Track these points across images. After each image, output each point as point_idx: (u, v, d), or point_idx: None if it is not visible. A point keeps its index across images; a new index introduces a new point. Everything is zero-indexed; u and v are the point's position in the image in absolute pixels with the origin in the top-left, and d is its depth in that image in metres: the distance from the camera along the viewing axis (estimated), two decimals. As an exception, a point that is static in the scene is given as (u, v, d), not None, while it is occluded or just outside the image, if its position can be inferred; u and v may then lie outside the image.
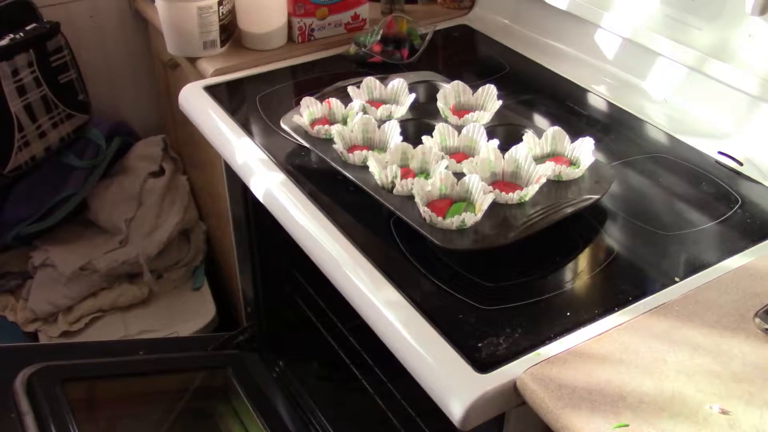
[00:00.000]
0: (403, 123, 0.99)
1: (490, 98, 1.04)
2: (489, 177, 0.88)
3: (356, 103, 1.02)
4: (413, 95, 1.04)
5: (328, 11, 1.32)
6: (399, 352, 0.77)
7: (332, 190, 0.97)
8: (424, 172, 0.90)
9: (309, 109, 1.02)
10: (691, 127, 1.07)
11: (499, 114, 1.02)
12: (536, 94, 1.19)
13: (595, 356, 0.71)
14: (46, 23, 1.54)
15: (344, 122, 1.02)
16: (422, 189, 0.84)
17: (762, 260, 0.84)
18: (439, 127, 0.94)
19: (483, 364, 0.72)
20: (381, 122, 0.99)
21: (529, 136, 0.94)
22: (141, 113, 1.85)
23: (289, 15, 1.31)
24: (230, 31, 1.31)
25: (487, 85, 1.05)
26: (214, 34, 1.26)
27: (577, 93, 1.19)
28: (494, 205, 0.85)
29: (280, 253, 1.31)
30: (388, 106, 1.02)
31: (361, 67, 1.28)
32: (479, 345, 0.74)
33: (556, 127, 0.94)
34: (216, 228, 1.72)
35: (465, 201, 0.86)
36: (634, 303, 0.79)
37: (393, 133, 0.95)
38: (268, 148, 1.05)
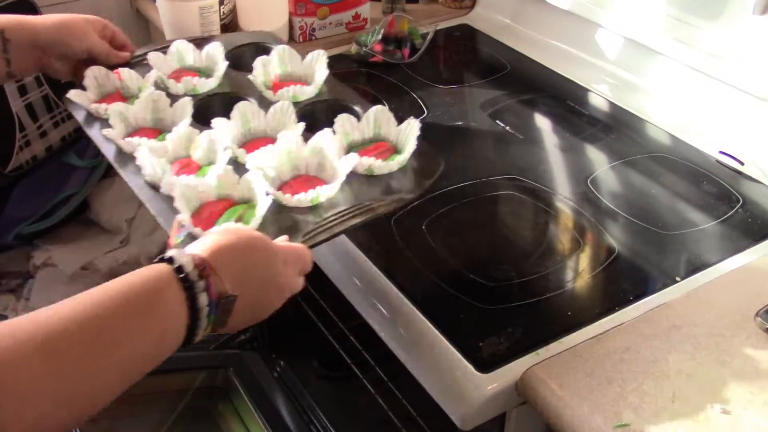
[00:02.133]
0: (206, 99, 0.84)
1: (319, 67, 0.88)
2: (289, 171, 0.73)
3: (152, 74, 0.85)
4: (225, 65, 0.88)
5: (329, 11, 1.32)
6: (400, 352, 0.78)
7: (333, 189, 0.97)
8: (210, 164, 0.74)
9: (97, 81, 0.86)
10: (692, 126, 1.07)
11: (330, 87, 0.86)
12: (537, 93, 1.19)
13: (595, 356, 0.71)
14: (47, 23, 1.54)
15: (136, 97, 0.86)
16: (187, 190, 0.68)
17: (763, 260, 0.84)
18: (241, 106, 0.77)
19: (484, 364, 0.72)
20: (181, 98, 0.83)
21: (343, 119, 0.77)
22: (142, 113, 1.85)
23: (290, 14, 1.31)
24: (231, 31, 1.31)
25: (317, 52, 0.89)
26: (216, 33, 1.26)
27: (578, 92, 1.19)
28: (282, 209, 0.70)
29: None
30: (189, 79, 0.85)
31: (362, 66, 1.28)
32: (480, 344, 0.74)
33: (379, 107, 0.79)
34: (217, 227, 1.72)
35: (249, 203, 0.70)
36: (634, 302, 0.79)
37: (184, 114, 0.79)
38: (269, 148, 1.05)
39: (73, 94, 0.84)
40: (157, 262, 0.56)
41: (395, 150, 0.79)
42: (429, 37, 1.32)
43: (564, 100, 1.17)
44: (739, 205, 0.93)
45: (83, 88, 0.86)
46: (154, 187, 0.74)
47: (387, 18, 1.31)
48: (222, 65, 0.88)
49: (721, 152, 1.02)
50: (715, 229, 0.90)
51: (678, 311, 0.76)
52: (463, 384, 0.70)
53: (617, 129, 1.10)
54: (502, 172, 1.00)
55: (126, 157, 0.77)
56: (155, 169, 0.71)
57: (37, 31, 0.88)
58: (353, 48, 1.29)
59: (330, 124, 0.77)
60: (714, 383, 0.68)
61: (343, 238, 0.88)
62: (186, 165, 0.74)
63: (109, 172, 1.74)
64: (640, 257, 0.85)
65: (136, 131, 0.80)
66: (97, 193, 1.71)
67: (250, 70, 0.87)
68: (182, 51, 0.90)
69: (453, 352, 0.73)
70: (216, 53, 0.89)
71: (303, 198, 0.69)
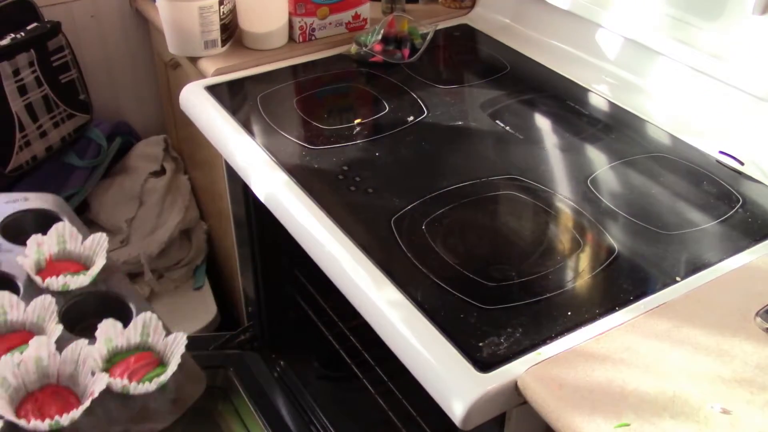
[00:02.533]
0: None
1: (98, 252, 0.80)
2: (37, 380, 0.65)
3: None
4: None
5: (328, 11, 1.32)
6: (400, 352, 0.78)
7: (333, 189, 0.97)
8: None
9: None
10: (692, 126, 1.07)
11: (107, 276, 0.77)
12: (537, 93, 1.19)
13: (596, 356, 0.71)
14: (47, 23, 1.54)
15: None
16: None
17: (763, 260, 0.84)
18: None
19: (484, 364, 0.72)
20: None
21: (107, 324, 0.71)
22: (142, 113, 1.85)
23: (290, 14, 1.31)
24: (231, 31, 1.31)
25: (99, 234, 0.81)
26: (215, 33, 1.26)
27: (578, 92, 1.19)
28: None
29: (281, 252, 1.31)
30: None
31: (362, 66, 1.28)
32: (480, 344, 0.74)
33: (148, 314, 0.73)
34: (217, 228, 1.73)
35: None
36: (635, 302, 0.79)
37: None
38: (269, 148, 1.05)
39: None
40: None
41: (160, 362, 0.72)
42: (429, 37, 1.32)
43: (564, 100, 1.17)
44: (739, 205, 0.93)
45: None
46: None
47: (387, 18, 1.31)
48: None
49: (721, 152, 1.02)
50: (715, 229, 0.90)
51: (678, 311, 0.76)
52: (463, 384, 0.70)
53: (617, 129, 1.10)
54: (502, 172, 1.00)
55: None
56: None
57: None
58: (353, 48, 1.29)
59: (99, 319, 0.71)
60: (714, 383, 0.68)
61: (344, 237, 0.88)
62: None
63: (109, 172, 1.74)
64: (640, 257, 0.85)
65: None
66: (97, 193, 1.71)
67: (26, 241, 0.79)
68: None
69: (453, 352, 0.73)
70: None
71: (40, 426, 0.61)
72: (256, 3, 1.27)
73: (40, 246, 0.78)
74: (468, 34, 1.40)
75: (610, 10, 1.18)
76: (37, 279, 0.74)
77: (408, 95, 1.19)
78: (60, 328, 0.67)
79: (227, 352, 1.10)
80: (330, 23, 1.34)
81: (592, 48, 1.23)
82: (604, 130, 1.10)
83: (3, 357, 0.65)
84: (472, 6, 1.46)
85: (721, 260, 0.84)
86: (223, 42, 1.28)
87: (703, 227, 0.90)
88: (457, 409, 0.70)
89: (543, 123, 1.13)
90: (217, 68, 1.25)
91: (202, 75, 1.28)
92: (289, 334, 1.44)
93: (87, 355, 0.66)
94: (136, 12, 1.71)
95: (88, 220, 1.72)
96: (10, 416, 0.59)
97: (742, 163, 1.00)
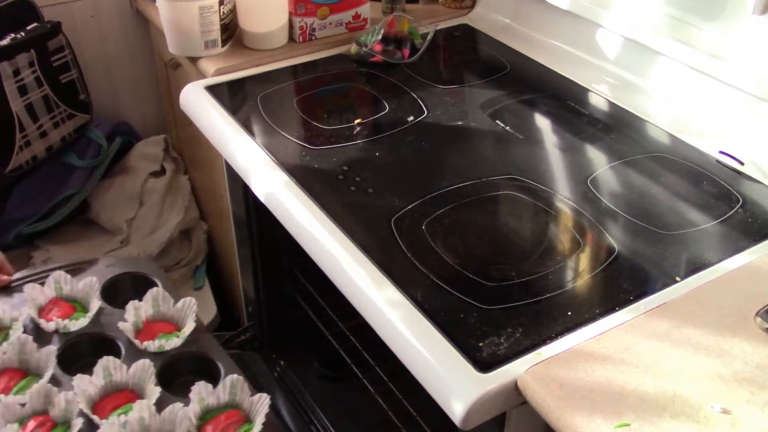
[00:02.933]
0: (74, 341, 0.85)
1: (189, 315, 0.89)
2: None
3: (23, 314, 0.87)
4: (99, 304, 0.88)
5: (329, 11, 1.32)
6: (400, 352, 0.78)
7: (333, 189, 0.97)
8: (66, 423, 0.75)
9: None
10: (692, 126, 1.07)
11: (197, 337, 0.87)
12: (537, 93, 1.19)
13: (596, 356, 0.71)
14: (47, 23, 1.54)
15: (7, 332, 0.87)
16: None
17: (763, 260, 0.84)
18: (104, 361, 0.79)
19: (484, 364, 0.72)
20: (53, 334, 0.85)
21: (199, 386, 0.79)
22: (142, 113, 1.85)
23: (290, 14, 1.31)
24: (231, 31, 1.31)
25: (189, 299, 0.90)
26: (215, 33, 1.26)
27: (578, 92, 1.19)
28: None
29: (281, 252, 1.31)
30: (60, 321, 0.86)
31: (362, 66, 1.28)
32: (480, 344, 0.74)
33: (235, 376, 0.81)
34: (217, 228, 1.73)
35: None
36: (635, 302, 0.79)
37: (48, 364, 0.81)
38: (270, 148, 1.05)
39: None
40: None
41: (246, 419, 0.80)
42: (429, 37, 1.32)
43: (564, 100, 1.17)
44: (739, 205, 0.93)
45: None
46: None
47: (387, 18, 1.31)
48: (95, 305, 0.88)
49: (721, 152, 1.02)
50: (715, 229, 0.90)
51: (678, 311, 0.76)
52: (463, 384, 0.70)
53: (617, 129, 1.10)
54: (502, 172, 1.00)
55: None
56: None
57: None
58: (353, 48, 1.29)
59: (191, 378, 0.80)
60: (714, 383, 0.68)
61: (344, 237, 0.88)
62: (41, 424, 0.75)
63: (109, 172, 1.74)
64: (640, 257, 0.85)
65: (2, 371, 0.81)
66: (97, 193, 1.71)
67: (124, 302, 0.88)
68: (59, 281, 0.90)
69: (453, 352, 0.73)
70: (90, 290, 0.89)
71: None
72: (256, 3, 1.27)
73: (138, 310, 0.87)
74: (468, 34, 1.40)
75: (610, 10, 1.18)
76: (137, 342, 0.84)
77: (408, 95, 1.19)
78: (158, 390, 0.77)
79: (227, 352, 1.10)
80: (330, 23, 1.34)
81: (592, 48, 1.23)
82: (604, 130, 1.10)
83: (111, 417, 0.75)
84: (472, 6, 1.46)
85: (721, 260, 0.84)
86: (223, 42, 1.28)
87: (703, 227, 0.90)
88: (457, 409, 0.70)
89: (543, 123, 1.13)
90: (217, 68, 1.25)
91: (202, 75, 1.28)
92: (289, 334, 1.44)
93: (183, 416, 0.75)
94: (136, 12, 1.71)
95: (88, 220, 1.73)
96: None
97: (742, 163, 1.00)
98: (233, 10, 1.29)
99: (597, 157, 1.04)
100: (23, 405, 0.77)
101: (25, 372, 0.83)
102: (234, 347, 1.42)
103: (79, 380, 0.77)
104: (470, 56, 1.35)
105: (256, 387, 1.02)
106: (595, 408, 0.66)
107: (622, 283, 0.82)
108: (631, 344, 0.72)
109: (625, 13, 1.16)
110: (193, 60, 1.30)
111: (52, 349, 0.82)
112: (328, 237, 0.89)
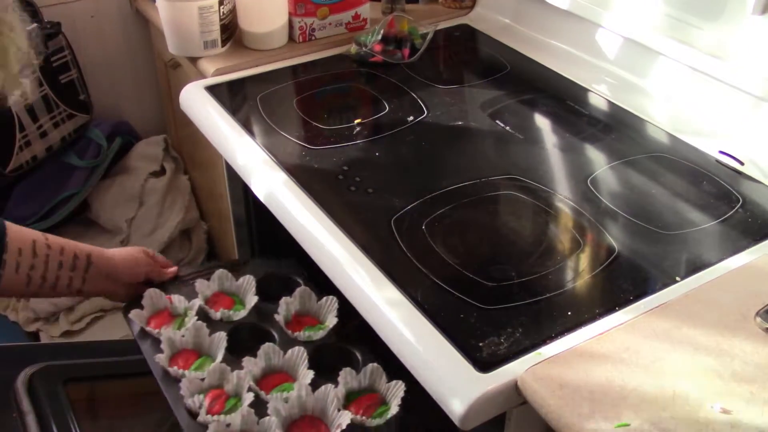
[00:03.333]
0: (237, 328, 0.99)
1: (330, 311, 1.01)
2: (297, 411, 0.88)
3: (196, 302, 1.02)
4: (255, 298, 1.02)
5: (328, 11, 1.32)
6: (400, 351, 0.78)
7: (333, 189, 0.97)
8: (238, 396, 0.91)
9: (152, 301, 1.03)
10: (692, 126, 1.07)
11: (338, 329, 0.98)
12: (537, 93, 1.19)
13: (596, 356, 0.71)
14: (47, 23, 1.54)
15: (183, 318, 1.02)
16: (220, 426, 0.86)
17: (763, 259, 0.84)
18: (265, 347, 0.94)
19: (484, 364, 0.72)
20: (218, 323, 1.00)
21: (345, 372, 0.91)
22: (142, 113, 1.85)
23: (290, 15, 1.31)
24: (231, 31, 1.31)
25: (331, 297, 1.00)
26: (215, 33, 1.26)
27: (578, 92, 1.19)
28: None
29: (281, 252, 1.31)
30: (225, 311, 1.01)
31: (362, 66, 1.28)
32: (480, 344, 0.74)
33: (375, 365, 0.92)
34: (217, 228, 1.73)
35: None
36: (635, 302, 0.79)
37: (219, 347, 0.96)
38: (270, 148, 1.05)
39: (133, 314, 1.01)
40: None
41: (383, 402, 0.91)
42: (429, 37, 1.32)
43: (564, 100, 1.17)
44: (739, 205, 0.93)
45: (141, 307, 1.02)
46: (192, 413, 0.89)
47: (387, 18, 1.31)
48: (252, 299, 1.03)
49: (721, 152, 1.02)
50: (715, 229, 0.90)
51: (678, 311, 0.76)
52: (463, 384, 0.70)
53: (617, 129, 1.10)
54: (502, 172, 1.00)
55: (170, 379, 0.93)
56: (195, 402, 0.89)
57: (115, 264, 1.04)
58: (353, 48, 1.29)
59: (335, 362, 0.93)
60: (714, 383, 0.68)
61: (345, 237, 0.88)
62: (218, 396, 0.90)
63: (109, 172, 1.74)
64: (640, 257, 0.85)
65: (180, 352, 0.97)
66: (97, 193, 1.71)
67: (275, 297, 1.02)
68: (222, 278, 1.06)
69: (453, 352, 0.73)
70: (248, 287, 1.05)
71: None
72: (256, 3, 1.27)
73: (288, 304, 1.00)
74: (468, 34, 1.40)
75: (610, 10, 1.18)
76: (288, 332, 0.98)
77: (408, 95, 1.19)
78: (312, 373, 0.91)
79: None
80: (330, 23, 1.34)
81: (592, 48, 1.23)
82: (604, 130, 1.10)
83: (273, 393, 0.90)
84: (472, 6, 1.46)
85: (721, 260, 0.84)
86: (223, 42, 1.28)
87: (703, 227, 0.90)
88: (457, 409, 0.70)
89: (543, 123, 1.13)
90: (217, 68, 1.25)
91: (202, 75, 1.28)
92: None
93: (333, 395, 0.87)
94: (136, 12, 1.71)
95: (88, 220, 1.73)
96: None
97: (742, 163, 1.00)
98: (233, 10, 1.29)
99: (597, 157, 1.04)
100: (202, 380, 0.91)
101: (198, 353, 0.97)
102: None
103: (247, 361, 0.92)
104: (470, 56, 1.35)
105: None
106: (595, 408, 0.66)
107: (622, 283, 0.82)
108: (631, 344, 0.72)
109: (625, 13, 1.16)
110: (193, 60, 1.30)
111: (223, 334, 0.97)
112: (328, 237, 0.89)
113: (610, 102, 1.16)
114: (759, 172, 0.98)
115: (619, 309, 0.78)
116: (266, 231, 1.29)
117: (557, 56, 1.27)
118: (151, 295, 1.03)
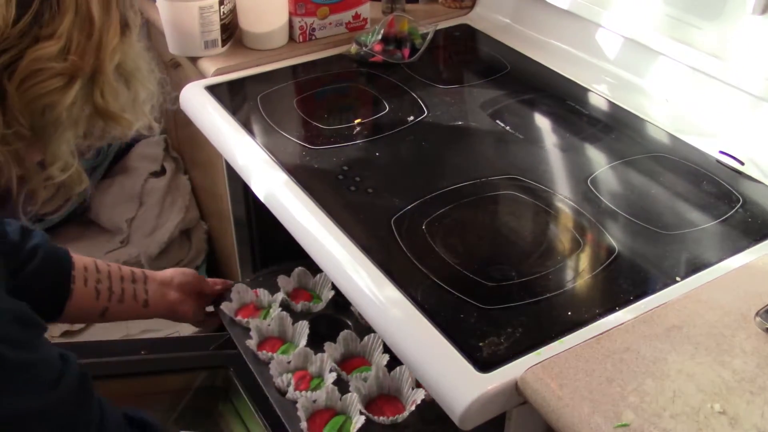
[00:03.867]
0: (317, 318, 1.08)
1: None
2: (375, 390, 0.96)
3: (279, 296, 1.12)
4: (332, 293, 1.11)
5: (329, 11, 1.32)
6: (400, 351, 0.78)
7: (333, 189, 0.97)
8: (320, 376, 1.00)
9: (239, 295, 1.13)
10: (692, 126, 1.07)
11: None
12: (537, 93, 1.19)
13: (595, 356, 0.71)
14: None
15: (268, 310, 1.12)
16: (307, 401, 0.94)
17: (763, 260, 0.84)
18: (344, 334, 1.03)
19: (484, 364, 0.72)
20: (299, 314, 1.09)
21: None
22: (142, 113, 1.85)
23: (290, 14, 1.31)
24: (231, 31, 1.31)
25: None
26: (215, 33, 1.26)
27: (578, 92, 1.19)
28: (369, 423, 0.92)
29: (282, 252, 1.31)
30: (306, 304, 1.11)
31: (362, 66, 1.28)
32: (480, 344, 0.74)
33: None
34: (217, 228, 1.73)
35: (346, 414, 0.95)
36: (635, 302, 0.79)
37: (302, 334, 1.05)
38: (270, 148, 1.05)
39: (223, 306, 1.12)
40: None
41: None
42: (429, 37, 1.32)
43: (564, 100, 1.17)
44: (739, 205, 0.93)
45: (230, 300, 1.12)
46: (281, 392, 0.98)
47: (387, 18, 1.31)
48: (328, 293, 1.12)
49: (721, 152, 1.02)
50: (715, 229, 0.90)
51: (678, 311, 0.76)
52: (463, 384, 0.70)
53: (617, 129, 1.10)
54: (502, 172, 1.00)
55: (259, 362, 1.03)
56: (283, 381, 0.99)
57: (163, 273, 1.10)
58: (353, 48, 1.29)
59: None
60: (714, 383, 0.68)
61: (345, 237, 0.88)
62: (303, 376, 1.00)
63: (109, 172, 1.74)
64: (640, 257, 0.85)
65: (266, 339, 1.07)
66: (97, 193, 1.71)
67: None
68: (301, 275, 1.16)
69: (453, 352, 0.73)
70: (324, 283, 1.14)
71: (384, 420, 0.92)
72: (256, 3, 1.27)
73: None
74: (468, 34, 1.40)
75: (610, 10, 1.18)
76: (362, 321, 1.05)
77: (408, 95, 1.19)
78: (387, 356, 0.98)
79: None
80: (330, 23, 1.34)
81: (592, 48, 1.23)
82: (604, 130, 1.10)
83: (354, 374, 0.98)
84: (472, 6, 1.46)
85: (721, 260, 0.84)
86: (223, 42, 1.28)
87: (703, 227, 0.90)
88: (456, 409, 0.70)
89: (543, 123, 1.13)
90: (217, 68, 1.25)
91: (202, 75, 1.28)
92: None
93: (408, 375, 0.94)
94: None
95: (88, 220, 1.73)
96: (364, 411, 0.93)
97: (742, 163, 1.00)
98: (233, 10, 1.29)
99: (597, 157, 1.04)
100: (288, 362, 1.01)
101: (283, 340, 1.07)
102: (234, 347, 1.42)
103: (328, 346, 1.01)
104: (470, 56, 1.35)
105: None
106: (595, 408, 0.66)
107: (622, 283, 0.82)
108: (631, 344, 0.72)
109: (625, 13, 1.16)
110: (193, 60, 1.30)
111: (305, 323, 1.06)
112: (328, 237, 0.89)
113: (610, 102, 1.16)
114: (759, 172, 0.98)
115: (619, 309, 0.78)
116: (266, 231, 1.29)
117: (557, 56, 1.27)
118: (239, 289, 1.13)
